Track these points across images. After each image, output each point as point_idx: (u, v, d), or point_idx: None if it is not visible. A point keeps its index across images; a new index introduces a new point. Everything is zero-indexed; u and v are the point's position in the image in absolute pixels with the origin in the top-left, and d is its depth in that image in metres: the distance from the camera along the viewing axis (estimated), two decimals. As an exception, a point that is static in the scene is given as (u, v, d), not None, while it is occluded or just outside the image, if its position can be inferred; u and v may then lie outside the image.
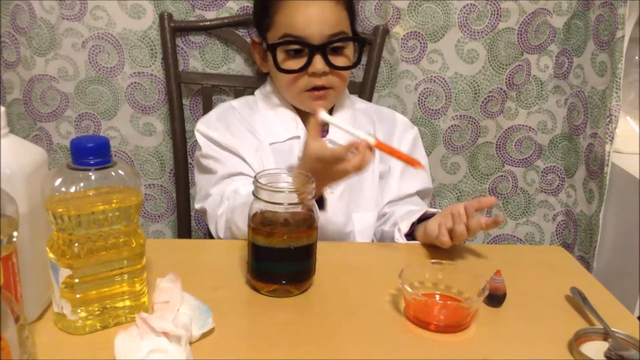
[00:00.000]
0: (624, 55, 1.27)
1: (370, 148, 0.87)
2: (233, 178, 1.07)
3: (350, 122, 1.15)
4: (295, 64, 1.06)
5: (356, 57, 1.11)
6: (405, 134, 1.19)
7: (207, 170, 1.11)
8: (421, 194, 1.18)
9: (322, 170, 0.89)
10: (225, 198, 1.04)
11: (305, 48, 1.05)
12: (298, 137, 1.12)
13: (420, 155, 1.22)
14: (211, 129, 1.11)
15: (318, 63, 1.05)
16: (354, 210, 1.13)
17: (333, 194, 1.02)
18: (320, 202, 0.99)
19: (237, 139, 1.09)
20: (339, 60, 1.07)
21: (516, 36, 1.34)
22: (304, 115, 1.13)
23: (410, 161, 0.90)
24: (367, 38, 1.13)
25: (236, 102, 1.19)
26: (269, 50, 1.09)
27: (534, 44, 1.36)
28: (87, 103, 1.34)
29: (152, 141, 1.37)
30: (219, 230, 1.03)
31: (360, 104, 1.23)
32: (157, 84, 1.34)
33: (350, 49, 1.09)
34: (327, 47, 1.05)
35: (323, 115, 0.91)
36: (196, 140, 1.13)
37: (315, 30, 1.04)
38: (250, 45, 1.23)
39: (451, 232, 0.92)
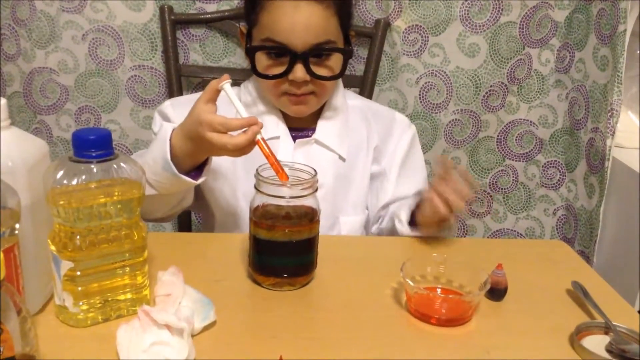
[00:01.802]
0: (626, 49, 1.27)
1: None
2: None
3: (342, 124, 1.12)
4: (276, 68, 1.01)
5: (341, 67, 1.05)
6: (403, 134, 1.16)
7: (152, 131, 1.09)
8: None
9: (199, 135, 0.87)
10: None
11: (286, 54, 1.00)
12: (277, 137, 1.08)
13: (418, 155, 1.18)
14: (175, 108, 1.07)
15: (299, 72, 1.00)
16: (341, 212, 1.11)
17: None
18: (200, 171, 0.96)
19: None
20: (322, 70, 1.02)
21: (518, 30, 1.33)
22: (288, 115, 1.09)
23: (280, 175, 0.82)
24: (352, 49, 1.08)
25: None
26: (247, 54, 1.05)
27: (535, 38, 1.36)
28: (87, 96, 1.34)
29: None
30: None
31: (355, 100, 1.19)
32: (157, 77, 1.33)
33: (336, 58, 1.04)
34: (310, 56, 1.00)
35: (226, 87, 0.87)
36: None
37: (299, 38, 0.98)
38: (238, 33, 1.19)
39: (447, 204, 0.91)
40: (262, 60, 1.03)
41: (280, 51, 1.00)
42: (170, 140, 0.92)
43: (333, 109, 1.12)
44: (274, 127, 1.09)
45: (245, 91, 1.13)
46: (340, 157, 1.10)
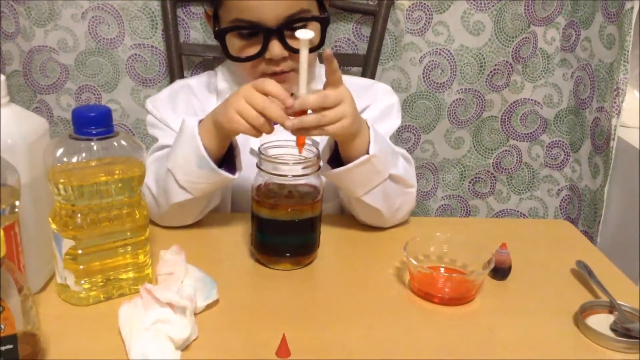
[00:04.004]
0: (633, 27, 1.25)
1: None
2: (168, 148, 0.97)
3: None
4: (250, 48, 0.95)
5: (320, 37, 0.97)
6: (379, 101, 1.07)
7: (152, 137, 1.06)
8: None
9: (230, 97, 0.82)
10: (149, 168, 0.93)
11: (259, 32, 0.93)
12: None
13: (389, 126, 1.07)
14: (157, 108, 1.04)
15: (275, 48, 0.93)
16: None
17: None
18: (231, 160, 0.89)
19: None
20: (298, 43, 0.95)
21: (523, 8, 1.31)
22: None
23: (297, 142, 0.80)
24: (330, 16, 0.99)
25: (194, 81, 1.11)
26: (217, 39, 0.98)
27: (541, 15, 1.34)
28: (87, 75, 1.32)
29: (153, 114, 1.36)
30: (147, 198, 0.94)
31: None
32: (157, 56, 1.32)
33: (313, 28, 0.96)
34: (285, 30, 0.93)
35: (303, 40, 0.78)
36: None
37: (270, 12, 0.91)
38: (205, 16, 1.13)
39: None
40: (234, 43, 0.97)
41: (252, 30, 0.95)
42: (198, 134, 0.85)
43: (312, 86, 1.06)
44: None
45: (221, 77, 1.08)
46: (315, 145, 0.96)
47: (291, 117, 0.79)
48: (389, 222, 0.96)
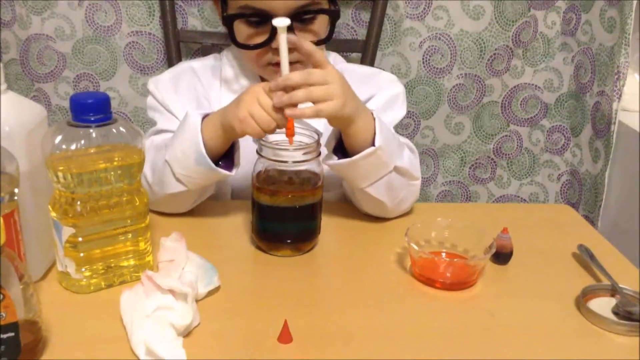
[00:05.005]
0: (634, 10, 1.24)
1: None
2: (166, 133, 0.98)
3: None
4: (258, 37, 0.94)
5: (328, 30, 0.96)
6: (384, 90, 1.05)
7: (151, 119, 1.05)
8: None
9: (237, 99, 0.81)
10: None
11: (267, 20, 0.91)
12: None
13: (394, 116, 1.05)
14: (159, 89, 1.03)
15: None
16: None
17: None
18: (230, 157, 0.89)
19: (184, 105, 0.95)
20: (307, 35, 0.93)
21: (523, -9, 1.31)
22: None
23: (287, 133, 0.80)
24: (339, 8, 0.98)
25: (198, 64, 1.08)
26: (224, 24, 0.97)
27: (541, -1, 1.33)
28: (85, 63, 1.31)
29: (152, 102, 1.35)
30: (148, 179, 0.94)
31: (340, 64, 1.10)
32: (155, 43, 1.31)
33: (322, 20, 0.96)
34: (293, 20, 0.90)
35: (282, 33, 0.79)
36: None
37: (280, 2, 0.91)
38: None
39: None
40: (241, 30, 0.96)
41: (260, 18, 0.94)
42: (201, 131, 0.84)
43: None
44: None
45: (226, 62, 1.07)
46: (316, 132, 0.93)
47: (279, 93, 0.78)
48: (392, 213, 0.95)
